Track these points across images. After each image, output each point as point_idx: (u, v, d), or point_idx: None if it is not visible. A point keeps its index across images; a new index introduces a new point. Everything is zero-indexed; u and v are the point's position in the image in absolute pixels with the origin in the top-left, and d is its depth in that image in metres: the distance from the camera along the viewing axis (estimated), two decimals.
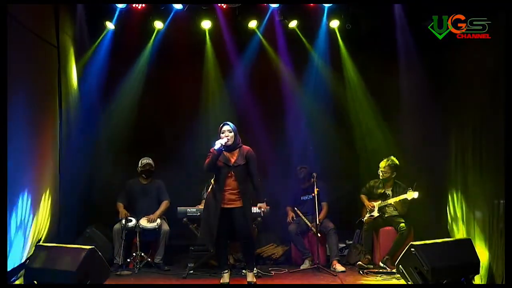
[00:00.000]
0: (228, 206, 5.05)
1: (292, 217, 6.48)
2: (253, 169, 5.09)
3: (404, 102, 6.81)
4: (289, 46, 7.03)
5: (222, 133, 5.07)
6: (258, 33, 6.90)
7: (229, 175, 5.05)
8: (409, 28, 6.28)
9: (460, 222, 5.66)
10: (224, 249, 5.27)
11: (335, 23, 6.66)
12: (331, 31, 6.82)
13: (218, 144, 4.95)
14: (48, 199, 5.60)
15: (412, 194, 6.01)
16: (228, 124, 5.12)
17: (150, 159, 6.53)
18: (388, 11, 6.37)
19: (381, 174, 6.36)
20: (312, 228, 6.21)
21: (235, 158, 5.09)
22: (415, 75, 6.61)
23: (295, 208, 6.58)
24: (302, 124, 7.30)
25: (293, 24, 6.72)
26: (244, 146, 5.18)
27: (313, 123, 7.28)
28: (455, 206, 5.84)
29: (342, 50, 6.96)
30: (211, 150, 5.08)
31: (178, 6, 6.40)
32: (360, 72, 7.05)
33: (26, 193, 5.02)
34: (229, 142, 5.04)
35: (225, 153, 5.08)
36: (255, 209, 5.93)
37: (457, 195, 5.79)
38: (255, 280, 5.20)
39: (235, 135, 5.10)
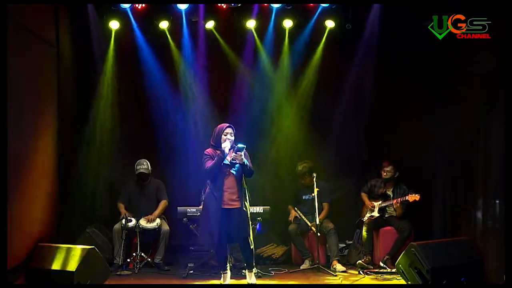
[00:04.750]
0: (228, 206, 5.05)
1: (295, 217, 6.46)
2: (249, 163, 5.09)
3: (404, 102, 6.80)
4: (289, 46, 7.03)
5: (225, 135, 5.06)
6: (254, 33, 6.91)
7: (227, 173, 5.05)
8: (409, 29, 6.27)
9: (460, 222, 5.66)
10: (225, 250, 5.28)
11: (330, 23, 6.65)
12: (324, 31, 6.81)
13: (226, 148, 4.95)
14: (48, 199, 5.60)
15: (414, 196, 6.00)
16: (231, 127, 5.12)
17: (145, 163, 6.42)
18: (388, 11, 6.37)
19: (385, 174, 6.35)
20: (312, 228, 6.20)
21: (230, 156, 5.08)
22: (415, 75, 6.61)
23: (295, 209, 6.57)
24: (303, 123, 7.30)
25: (287, 24, 6.71)
26: (235, 145, 5.17)
27: (314, 122, 7.27)
28: (455, 206, 5.84)
29: (345, 48, 6.95)
30: (206, 153, 5.08)
31: (183, 6, 6.40)
32: (359, 72, 7.03)
33: (26, 193, 5.02)
34: (231, 144, 5.05)
35: (219, 153, 5.07)
36: (255, 209, 5.93)
37: (457, 195, 5.79)
38: (255, 280, 5.21)
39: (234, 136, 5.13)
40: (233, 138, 5.07)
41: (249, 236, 5.10)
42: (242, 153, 4.97)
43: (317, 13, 6.60)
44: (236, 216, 5.04)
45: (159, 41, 6.90)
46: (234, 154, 4.98)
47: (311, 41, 6.91)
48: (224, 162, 5.02)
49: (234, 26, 6.76)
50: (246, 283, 5.19)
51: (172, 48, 6.97)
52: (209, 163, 5.01)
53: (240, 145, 4.96)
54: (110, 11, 6.52)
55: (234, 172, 5.06)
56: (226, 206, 5.03)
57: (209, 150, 5.12)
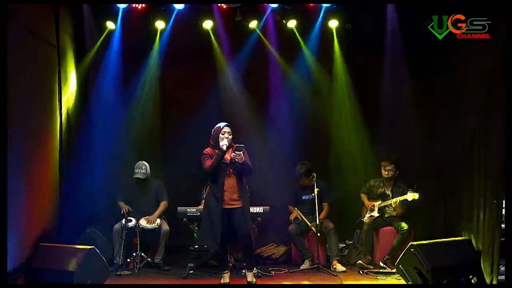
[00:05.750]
0: (229, 206, 5.07)
1: (295, 217, 6.45)
2: (247, 161, 5.12)
3: (404, 102, 6.81)
4: (290, 46, 7.02)
5: (223, 134, 5.11)
6: (259, 33, 6.90)
7: (228, 172, 5.08)
8: (409, 29, 6.28)
9: (460, 222, 5.66)
10: (225, 249, 5.29)
11: (333, 23, 6.65)
12: (329, 31, 6.81)
13: (224, 146, 5.02)
14: (48, 199, 5.60)
15: (413, 195, 6.00)
16: (229, 126, 5.18)
17: (144, 166, 6.38)
18: (388, 12, 6.37)
19: (386, 173, 6.33)
20: (312, 228, 6.20)
21: (229, 155, 5.12)
22: (415, 75, 6.62)
23: (296, 208, 6.57)
24: (302, 124, 7.30)
25: (291, 24, 6.72)
26: (235, 144, 5.21)
27: (314, 122, 7.27)
28: (455, 206, 5.84)
29: (343, 51, 6.95)
30: (205, 152, 5.12)
31: (179, 6, 6.40)
32: (361, 73, 7.03)
33: (26, 193, 5.02)
34: (228, 143, 5.09)
35: (217, 151, 5.09)
36: (255, 209, 5.93)
37: (457, 195, 5.79)
38: (255, 280, 5.22)
39: (232, 136, 5.17)
40: (231, 136, 5.14)
41: (251, 235, 5.12)
42: (241, 152, 4.99)
43: (322, 14, 6.63)
44: (237, 215, 5.06)
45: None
46: (233, 153, 5.01)
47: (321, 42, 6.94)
48: (224, 161, 5.05)
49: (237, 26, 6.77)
50: (246, 283, 5.19)
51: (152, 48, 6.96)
52: (208, 162, 5.06)
53: (239, 145, 5.00)
54: (109, 11, 6.51)
55: (234, 171, 5.08)
56: (227, 206, 5.06)
57: (208, 150, 5.17)
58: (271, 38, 6.96)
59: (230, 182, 5.09)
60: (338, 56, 6.96)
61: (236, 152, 5.00)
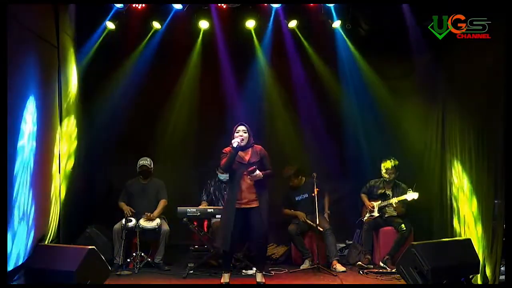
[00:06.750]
0: (247, 206, 5.10)
1: (296, 217, 6.43)
2: (267, 165, 5.20)
3: (404, 102, 6.81)
4: (289, 46, 7.02)
5: (237, 132, 5.18)
6: (254, 34, 6.90)
7: (245, 173, 5.10)
8: (409, 29, 6.27)
9: (460, 222, 5.66)
10: (233, 250, 5.30)
11: (337, 23, 6.66)
12: (333, 31, 6.81)
13: (235, 143, 5.07)
14: (49, 199, 5.60)
15: (412, 195, 6.01)
16: (244, 125, 5.25)
17: (148, 159, 6.52)
18: (388, 12, 6.36)
19: (387, 176, 6.33)
20: (319, 228, 6.14)
21: (248, 156, 5.17)
22: (415, 75, 6.62)
23: (292, 210, 6.55)
24: (302, 125, 7.30)
25: (292, 24, 6.72)
26: (256, 145, 5.27)
27: (314, 123, 7.27)
28: (455, 206, 5.84)
29: (347, 49, 6.95)
30: (224, 151, 5.19)
31: (178, 6, 6.40)
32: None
33: (28, 192, 5.02)
34: (243, 142, 5.14)
35: (238, 152, 5.14)
36: None
37: (457, 195, 5.79)
38: (264, 280, 5.22)
39: (249, 135, 5.21)
40: (246, 134, 5.18)
41: (266, 236, 5.16)
42: (256, 172, 5.03)
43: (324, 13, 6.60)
44: (254, 215, 5.09)
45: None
46: (249, 176, 5.05)
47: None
48: (241, 161, 5.11)
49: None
50: (256, 283, 5.18)
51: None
52: (224, 160, 5.13)
53: (249, 169, 5.04)
54: (109, 11, 6.51)
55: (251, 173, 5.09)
56: (244, 206, 5.09)
57: (227, 148, 5.23)
58: (275, 39, 6.96)
59: (247, 182, 5.12)
60: (357, 56, 6.94)
61: (251, 175, 5.04)
